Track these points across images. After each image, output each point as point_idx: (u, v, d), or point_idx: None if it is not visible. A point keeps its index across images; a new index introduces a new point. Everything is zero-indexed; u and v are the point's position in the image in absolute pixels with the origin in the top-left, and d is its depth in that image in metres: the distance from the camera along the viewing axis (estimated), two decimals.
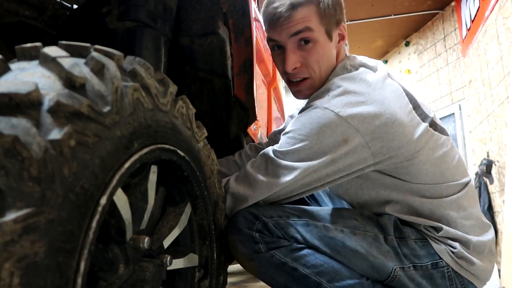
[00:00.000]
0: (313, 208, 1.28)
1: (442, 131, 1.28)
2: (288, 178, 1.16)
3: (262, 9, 1.32)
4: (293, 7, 1.23)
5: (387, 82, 1.23)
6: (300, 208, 1.23)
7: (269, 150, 1.22)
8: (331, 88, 1.20)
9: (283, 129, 1.62)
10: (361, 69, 1.26)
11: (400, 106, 1.17)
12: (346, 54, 1.37)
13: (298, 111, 1.60)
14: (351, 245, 1.18)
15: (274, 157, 1.18)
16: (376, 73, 1.27)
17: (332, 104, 1.15)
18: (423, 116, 1.23)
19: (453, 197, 1.24)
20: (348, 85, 1.19)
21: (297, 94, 1.36)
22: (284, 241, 1.16)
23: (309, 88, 1.32)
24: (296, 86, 1.34)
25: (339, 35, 1.31)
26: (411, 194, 1.24)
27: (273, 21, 1.26)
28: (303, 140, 1.15)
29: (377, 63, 1.33)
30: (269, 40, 1.32)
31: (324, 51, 1.27)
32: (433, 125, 1.25)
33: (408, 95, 1.24)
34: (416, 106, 1.23)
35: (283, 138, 1.20)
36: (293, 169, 1.15)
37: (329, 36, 1.27)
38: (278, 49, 1.32)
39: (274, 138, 1.64)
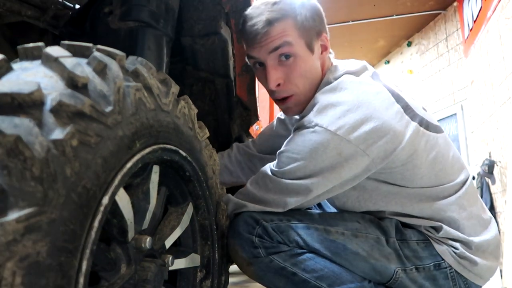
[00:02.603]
0: (314, 211, 1.27)
1: (436, 129, 1.26)
2: (294, 198, 1.16)
3: (240, 26, 1.29)
4: (269, 23, 1.20)
5: (370, 86, 1.21)
6: (301, 211, 1.23)
7: (267, 169, 1.21)
8: (315, 103, 1.19)
9: (272, 134, 1.62)
10: (342, 77, 1.24)
11: (386, 107, 1.15)
12: (332, 63, 1.33)
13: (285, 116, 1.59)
14: (353, 248, 1.17)
15: (273, 176, 1.18)
16: (359, 77, 1.25)
17: (319, 120, 1.14)
18: (412, 115, 1.20)
19: (451, 198, 1.23)
20: (330, 97, 1.17)
21: (286, 111, 1.34)
22: (284, 246, 1.15)
23: (296, 104, 1.30)
24: (283, 104, 1.31)
25: (321, 46, 1.28)
26: (409, 200, 1.23)
27: (250, 39, 1.24)
28: (297, 160, 1.14)
29: (362, 65, 1.30)
30: (249, 57, 1.29)
31: (306, 64, 1.24)
32: (424, 123, 1.22)
33: (395, 95, 1.21)
34: (405, 106, 1.20)
35: (278, 158, 1.20)
36: (293, 187, 1.15)
37: (310, 49, 1.24)
38: (259, 66, 1.29)
39: (260, 142, 1.65)
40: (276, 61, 1.24)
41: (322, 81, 1.28)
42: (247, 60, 1.34)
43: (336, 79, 1.25)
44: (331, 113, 1.13)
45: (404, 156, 1.16)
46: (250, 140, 1.71)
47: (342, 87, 1.20)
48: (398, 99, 1.21)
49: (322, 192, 1.16)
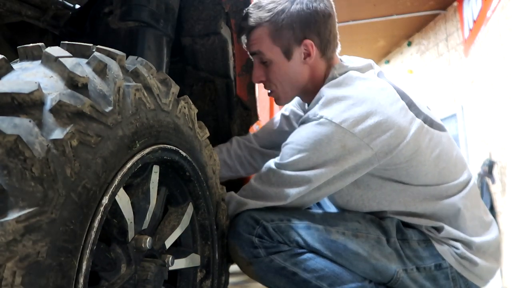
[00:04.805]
0: (314, 211, 1.27)
1: (440, 127, 1.27)
2: (295, 189, 1.16)
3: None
4: (250, 29, 1.30)
5: (375, 82, 1.23)
6: (302, 211, 1.23)
7: (271, 162, 1.22)
8: (321, 97, 1.20)
9: (275, 129, 1.62)
10: (348, 73, 1.25)
11: (390, 103, 1.17)
12: (338, 60, 1.34)
13: (292, 113, 1.59)
14: (353, 248, 1.17)
15: (277, 169, 1.19)
16: (365, 74, 1.26)
17: (324, 112, 1.15)
18: (416, 112, 1.22)
19: (454, 198, 1.23)
20: (335, 91, 1.19)
21: (275, 102, 1.42)
22: (284, 246, 1.15)
23: (277, 99, 1.39)
24: (270, 95, 1.41)
25: (304, 53, 1.28)
26: (413, 199, 1.23)
27: (242, 35, 1.35)
28: (301, 151, 1.15)
29: (367, 63, 1.32)
30: None
31: (281, 70, 1.30)
32: (428, 121, 1.23)
33: (400, 92, 1.23)
34: (410, 103, 1.22)
35: (283, 150, 1.21)
36: (297, 180, 1.15)
37: (287, 55, 1.28)
38: None
39: (263, 136, 1.65)
40: (259, 61, 1.34)
41: (327, 77, 1.29)
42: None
43: (341, 74, 1.26)
44: (336, 107, 1.15)
45: (408, 152, 1.16)
46: (252, 133, 1.71)
47: (347, 82, 1.21)
48: (403, 96, 1.22)
49: (323, 182, 1.16)
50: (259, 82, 1.37)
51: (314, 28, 1.26)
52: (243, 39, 1.35)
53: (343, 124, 1.12)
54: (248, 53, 1.38)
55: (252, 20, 1.28)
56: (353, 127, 1.12)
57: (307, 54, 1.28)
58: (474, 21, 4.88)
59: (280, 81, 1.32)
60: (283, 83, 1.32)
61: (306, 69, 1.30)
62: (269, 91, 1.39)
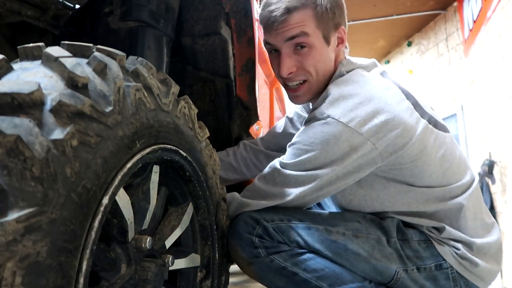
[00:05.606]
0: (315, 211, 1.27)
1: (443, 128, 1.27)
2: (299, 189, 1.15)
3: (260, 11, 1.30)
4: (288, 11, 1.21)
5: (381, 81, 1.23)
6: (302, 211, 1.22)
7: (276, 162, 1.21)
8: (328, 95, 1.19)
9: (280, 132, 1.62)
10: (354, 71, 1.25)
11: (397, 102, 1.16)
12: (345, 57, 1.35)
13: (296, 115, 1.60)
14: (353, 248, 1.17)
15: (282, 168, 1.18)
16: (370, 72, 1.27)
17: (331, 111, 1.14)
18: (421, 112, 1.22)
19: (458, 200, 1.23)
20: (342, 90, 1.18)
21: (295, 99, 1.34)
22: (284, 246, 1.15)
23: (306, 93, 1.30)
24: (294, 91, 1.31)
25: (338, 39, 1.29)
26: (416, 201, 1.22)
27: (268, 25, 1.24)
28: (308, 151, 1.14)
29: (372, 62, 1.32)
30: (265, 43, 1.30)
31: (321, 55, 1.25)
32: (432, 121, 1.23)
33: (405, 92, 1.22)
34: (415, 103, 1.22)
35: (288, 150, 1.20)
36: (302, 179, 1.15)
37: (327, 41, 1.25)
38: (274, 52, 1.30)
39: (269, 139, 1.65)
40: (291, 50, 1.25)
41: (334, 74, 1.29)
42: (263, 45, 1.34)
43: (348, 72, 1.26)
44: (343, 105, 1.14)
45: (414, 152, 1.16)
46: (259, 137, 1.71)
47: (354, 80, 1.21)
48: (408, 96, 1.22)
49: (327, 182, 1.16)
50: (289, 74, 1.26)
51: (344, 15, 1.30)
52: (276, 24, 1.22)
53: (350, 123, 1.11)
54: (277, 39, 1.25)
55: (295, 1, 1.21)
56: (360, 126, 1.11)
57: (341, 41, 1.29)
58: (474, 21, 4.88)
59: (317, 68, 1.26)
60: (319, 71, 1.27)
61: (333, 57, 1.30)
62: (297, 83, 1.29)
